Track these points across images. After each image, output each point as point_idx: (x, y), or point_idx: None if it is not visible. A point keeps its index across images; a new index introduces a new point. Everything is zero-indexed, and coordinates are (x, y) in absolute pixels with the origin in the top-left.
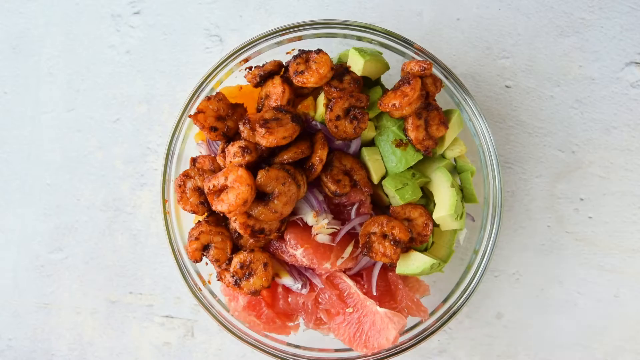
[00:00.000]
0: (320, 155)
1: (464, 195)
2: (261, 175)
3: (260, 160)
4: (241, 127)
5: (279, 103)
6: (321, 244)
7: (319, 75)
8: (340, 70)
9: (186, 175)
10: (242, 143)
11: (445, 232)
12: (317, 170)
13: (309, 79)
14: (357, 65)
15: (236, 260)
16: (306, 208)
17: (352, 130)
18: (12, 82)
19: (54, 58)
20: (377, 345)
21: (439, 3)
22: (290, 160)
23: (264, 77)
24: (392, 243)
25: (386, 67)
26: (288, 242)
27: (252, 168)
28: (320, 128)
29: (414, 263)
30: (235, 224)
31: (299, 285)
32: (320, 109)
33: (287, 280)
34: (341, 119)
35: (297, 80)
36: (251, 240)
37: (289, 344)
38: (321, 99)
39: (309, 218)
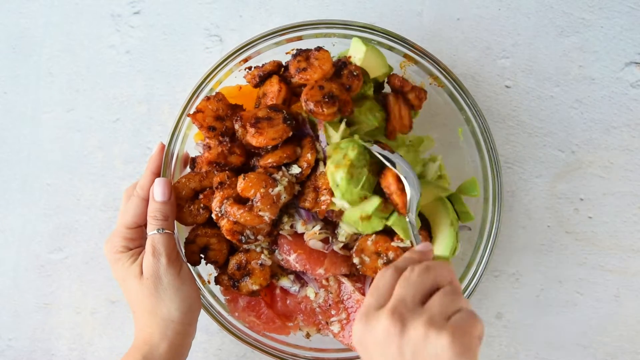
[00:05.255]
0: (307, 160)
1: (459, 217)
2: (240, 181)
3: (244, 167)
4: (236, 126)
5: (274, 101)
6: (315, 250)
7: (322, 71)
8: (339, 64)
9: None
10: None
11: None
12: (304, 175)
13: (313, 75)
14: (358, 53)
15: (233, 262)
16: (295, 216)
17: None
18: (12, 82)
19: (54, 58)
20: None
21: (439, 3)
22: (274, 164)
23: (264, 77)
24: (385, 262)
25: (387, 69)
26: (281, 247)
27: (237, 173)
28: (310, 133)
29: None
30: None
31: (297, 288)
32: None
33: (284, 282)
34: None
35: (300, 78)
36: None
37: (289, 344)
38: None
39: (298, 226)
